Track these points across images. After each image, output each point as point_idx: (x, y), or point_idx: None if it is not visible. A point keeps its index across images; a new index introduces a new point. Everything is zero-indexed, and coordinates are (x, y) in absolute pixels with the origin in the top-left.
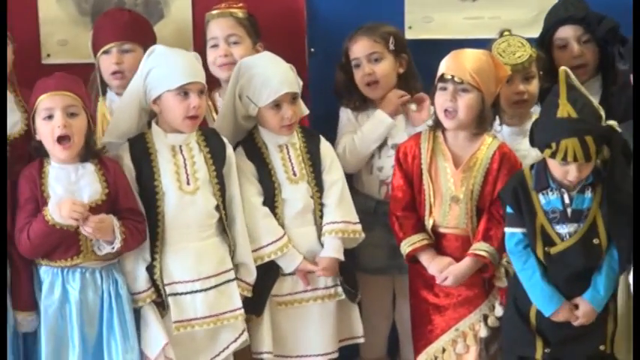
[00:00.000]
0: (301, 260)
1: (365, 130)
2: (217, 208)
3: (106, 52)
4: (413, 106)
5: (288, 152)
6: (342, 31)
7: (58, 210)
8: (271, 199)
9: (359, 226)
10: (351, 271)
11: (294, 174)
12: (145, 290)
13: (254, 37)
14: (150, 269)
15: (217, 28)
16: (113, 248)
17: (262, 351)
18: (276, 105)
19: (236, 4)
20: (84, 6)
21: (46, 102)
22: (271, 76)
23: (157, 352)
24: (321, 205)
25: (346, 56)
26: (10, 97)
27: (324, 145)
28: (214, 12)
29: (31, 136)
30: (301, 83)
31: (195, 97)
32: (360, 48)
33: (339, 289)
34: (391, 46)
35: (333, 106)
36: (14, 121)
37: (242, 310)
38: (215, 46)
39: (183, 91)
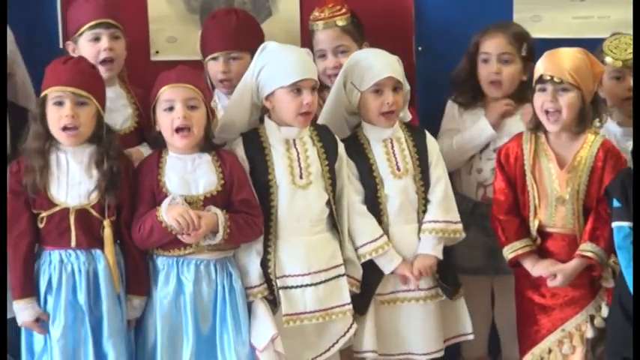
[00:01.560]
0: (399, 262)
1: (465, 137)
2: (328, 203)
3: (213, 59)
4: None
5: (392, 147)
6: (450, 30)
7: (169, 209)
8: (373, 195)
9: (460, 226)
10: (450, 267)
11: (398, 169)
12: (257, 285)
13: (360, 40)
14: (264, 263)
15: (324, 39)
16: (215, 240)
17: (365, 350)
18: (378, 91)
19: (339, 11)
20: (193, 3)
21: (167, 94)
22: (376, 61)
23: (264, 343)
24: (425, 201)
25: (475, 48)
26: (122, 94)
27: (431, 140)
28: (319, 23)
29: (140, 131)
30: (408, 88)
31: (307, 93)
32: (493, 44)
33: (440, 290)
34: (523, 52)
35: (440, 104)
36: (125, 117)
37: (350, 306)
38: (323, 56)
39: (296, 88)
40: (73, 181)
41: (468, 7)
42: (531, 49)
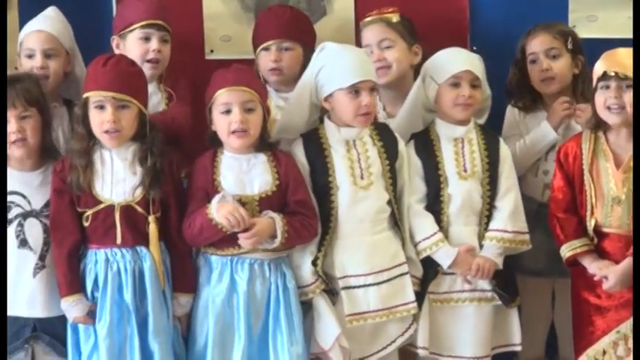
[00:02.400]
0: (457, 252)
1: (528, 142)
2: (389, 202)
3: (265, 49)
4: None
5: (462, 147)
6: (505, 31)
7: (219, 207)
8: (436, 193)
9: (527, 237)
10: (509, 275)
11: (465, 170)
12: (312, 283)
13: (409, 39)
14: (314, 261)
15: (370, 34)
16: (272, 245)
17: (418, 345)
18: (456, 84)
19: (387, 10)
20: (247, 2)
21: (224, 97)
22: (455, 55)
23: (330, 342)
24: (490, 206)
25: (522, 52)
26: (157, 91)
27: (504, 147)
28: (367, 19)
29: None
30: (489, 93)
31: (366, 94)
32: (538, 43)
33: (497, 297)
34: (569, 45)
35: (495, 104)
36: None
37: (415, 304)
38: (370, 53)
39: (355, 90)
40: (117, 178)
41: (523, 7)
42: (577, 42)
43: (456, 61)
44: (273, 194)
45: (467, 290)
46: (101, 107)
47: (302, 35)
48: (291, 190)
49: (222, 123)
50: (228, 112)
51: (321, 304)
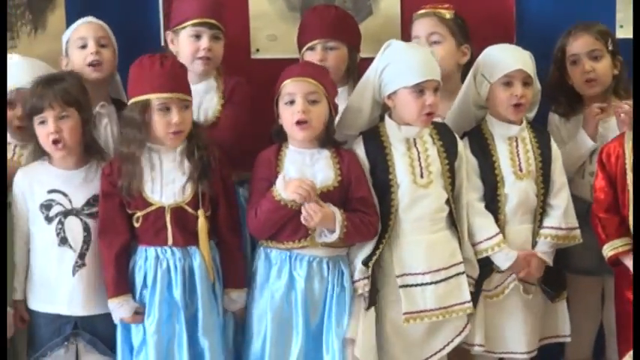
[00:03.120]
0: (516, 257)
1: (567, 150)
2: (448, 201)
3: (310, 49)
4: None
5: (517, 146)
6: (552, 31)
7: (285, 185)
8: (493, 193)
9: (578, 231)
10: (556, 271)
11: (521, 169)
12: (360, 279)
13: (459, 37)
14: (368, 258)
15: (420, 27)
16: (331, 238)
17: (474, 343)
18: (508, 83)
19: (441, 5)
20: (293, 1)
21: (288, 87)
22: (507, 53)
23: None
24: (544, 204)
25: (562, 53)
26: (214, 86)
27: (554, 144)
28: (420, 11)
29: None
30: (539, 88)
31: (430, 94)
32: (581, 44)
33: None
34: (610, 46)
35: (541, 105)
36: (210, 107)
37: (470, 304)
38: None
39: (419, 89)
40: (167, 179)
41: (570, 7)
42: (615, 43)
43: (508, 59)
44: (334, 190)
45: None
46: (167, 109)
47: (347, 35)
48: (354, 188)
49: (287, 114)
50: (292, 102)
51: (356, 304)
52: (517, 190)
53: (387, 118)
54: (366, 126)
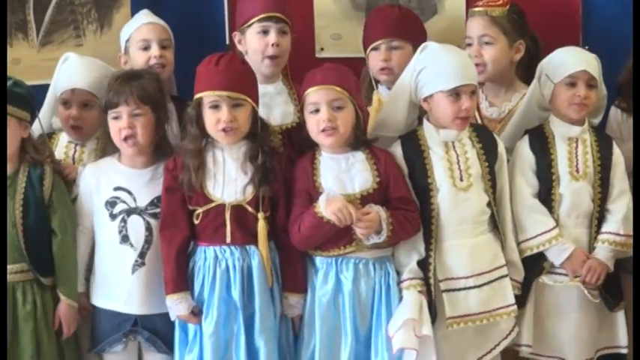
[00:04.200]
0: (572, 250)
1: (627, 149)
2: (489, 204)
3: (375, 49)
4: None
5: (576, 147)
6: (618, 28)
7: (327, 203)
8: (547, 192)
9: None
10: (615, 279)
11: (577, 170)
12: (410, 278)
13: (512, 35)
14: (424, 266)
15: (472, 26)
16: (380, 238)
17: (522, 343)
18: (572, 83)
19: (495, 2)
20: (358, 0)
21: (312, 96)
22: (571, 54)
23: (396, 327)
24: (601, 209)
25: None
26: (284, 89)
27: (617, 150)
28: (474, 9)
29: (302, 126)
30: (604, 93)
31: (466, 98)
32: None
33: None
34: None
35: (609, 104)
36: (285, 113)
37: (515, 307)
38: (469, 45)
39: (455, 93)
40: (229, 177)
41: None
42: None
43: (572, 60)
44: (374, 192)
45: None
46: (216, 107)
47: (411, 34)
48: (392, 187)
49: (312, 122)
50: (317, 111)
51: (411, 295)
52: (572, 190)
53: (425, 121)
54: (403, 128)
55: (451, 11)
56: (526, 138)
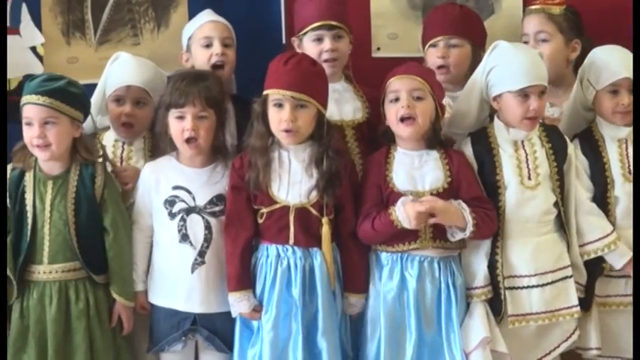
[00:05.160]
0: (631, 256)
1: None
2: (556, 204)
3: (433, 46)
4: None
5: (626, 148)
6: None
7: (404, 208)
8: (603, 195)
9: None
10: None
11: (629, 171)
12: (482, 286)
13: (568, 33)
14: (492, 264)
15: (528, 24)
16: (465, 234)
17: (589, 347)
18: (615, 91)
19: (552, 1)
20: (415, 0)
21: (393, 85)
22: (613, 59)
23: (474, 344)
24: None
25: None
26: (349, 87)
27: None
28: (530, 7)
29: (370, 123)
30: None
31: (535, 99)
32: None
33: None
34: None
35: None
36: (355, 108)
37: (578, 308)
38: (525, 42)
39: (524, 93)
40: (294, 179)
41: None
42: None
43: (615, 66)
44: (444, 191)
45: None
46: (279, 105)
47: (470, 32)
48: (465, 188)
49: (391, 111)
50: (396, 99)
51: (478, 307)
52: (627, 192)
53: (495, 119)
54: (474, 126)
55: (508, 10)
56: (577, 143)
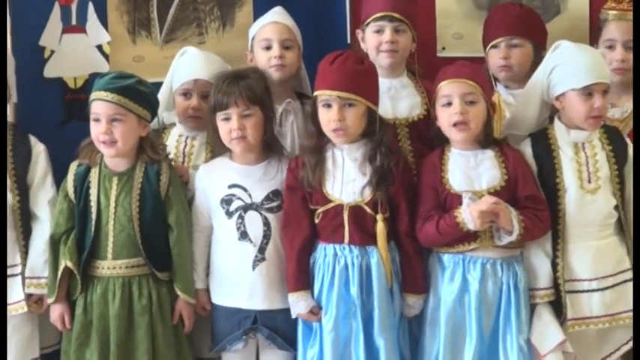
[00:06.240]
0: None
1: None
2: (616, 207)
3: (494, 47)
4: None
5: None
6: None
7: (470, 210)
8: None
9: None
10: None
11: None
12: (545, 288)
13: None
14: (553, 268)
15: (616, 29)
16: (513, 237)
17: None
18: (589, 94)
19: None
20: (480, 0)
21: (445, 89)
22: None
23: (550, 347)
24: None
25: None
26: (409, 83)
27: None
28: (614, 12)
29: (429, 119)
30: None
31: (599, 97)
32: None
33: None
34: None
35: None
36: (414, 105)
37: None
38: (611, 47)
39: (587, 92)
40: (347, 178)
41: None
42: None
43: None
44: (501, 189)
45: None
46: (328, 105)
47: (532, 32)
48: (521, 186)
49: (444, 116)
50: (449, 104)
51: (546, 310)
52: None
53: (556, 120)
54: (534, 127)
55: (575, 11)
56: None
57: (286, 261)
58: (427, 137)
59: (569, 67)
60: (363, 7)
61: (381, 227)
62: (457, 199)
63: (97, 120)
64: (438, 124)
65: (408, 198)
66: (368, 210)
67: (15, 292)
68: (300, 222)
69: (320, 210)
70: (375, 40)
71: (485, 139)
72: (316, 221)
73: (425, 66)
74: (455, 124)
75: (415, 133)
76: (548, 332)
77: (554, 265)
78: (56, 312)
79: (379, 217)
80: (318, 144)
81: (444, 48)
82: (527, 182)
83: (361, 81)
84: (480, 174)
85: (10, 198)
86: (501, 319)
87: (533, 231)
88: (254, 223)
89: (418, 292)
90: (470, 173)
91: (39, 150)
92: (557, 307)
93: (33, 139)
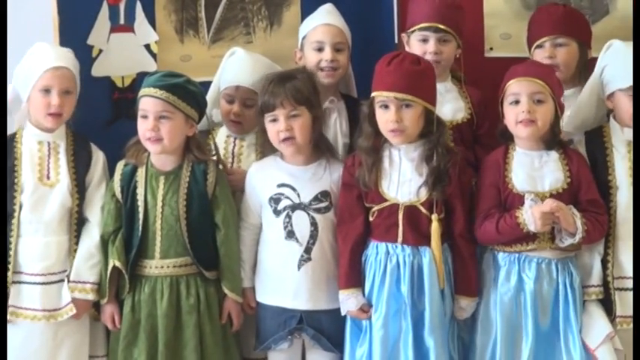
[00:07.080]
0: None
1: None
2: None
3: (539, 47)
4: None
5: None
6: None
7: (532, 212)
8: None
9: None
10: None
11: None
12: (596, 285)
13: None
14: (603, 265)
15: None
16: (575, 239)
17: None
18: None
19: None
20: (529, 0)
21: (513, 87)
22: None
23: (599, 341)
24: None
25: None
26: (453, 87)
27: None
28: None
29: (472, 123)
30: None
31: None
32: None
33: None
34: None
35: None
36: (458, 108)
37: None
38: None
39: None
40: (403, 178)
41: None
42: None
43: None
44: (564, 192)
45: None
46: (385, 106)
47: (576, 31)
48: (584, 190)
49: (511, 114)
50: (516, 102)
51: (594, 306)
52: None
53: (611, 118)
54: (591, 124)
55: (624, 11)
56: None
57: (339, 257)
58: (471, 141)
59: (617, 66)
60: (409, 13)
61: (435, 227)
62: (519, 199)
63: (144, 117)
64: (504, 122)
65: (464, 200)
66: (423, 210)
67: (65, 296)
68: (355, 219)
69: (375, 208)
70: (420, 49)
71: (552, 139)
72: (370, 219)
73: (473, 66)
74: (521, 122)
75: (459, 136)
76: (597, 326)
77: (604, 263)
78: (107, 312)
79: (434, 217)
80: (375, 144)
81: (491, 48)
82: (589, 186)
83: (418, 81)
84: (544, 175)
85: (70, 201)
86: (561, 319)
87: (593, 234)
88: (301, 223)
89: (471, 294)
90: (533, 174)
91: (98, 156)
92: (607, 305)
93: (93, 146)
